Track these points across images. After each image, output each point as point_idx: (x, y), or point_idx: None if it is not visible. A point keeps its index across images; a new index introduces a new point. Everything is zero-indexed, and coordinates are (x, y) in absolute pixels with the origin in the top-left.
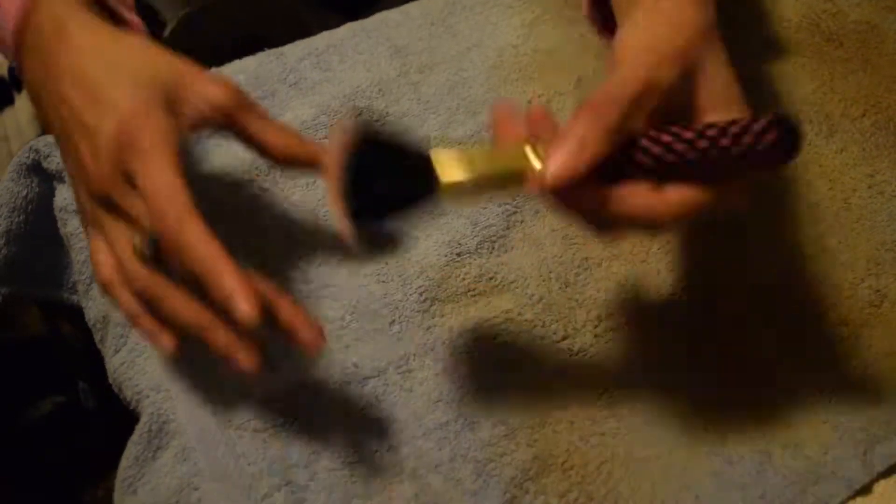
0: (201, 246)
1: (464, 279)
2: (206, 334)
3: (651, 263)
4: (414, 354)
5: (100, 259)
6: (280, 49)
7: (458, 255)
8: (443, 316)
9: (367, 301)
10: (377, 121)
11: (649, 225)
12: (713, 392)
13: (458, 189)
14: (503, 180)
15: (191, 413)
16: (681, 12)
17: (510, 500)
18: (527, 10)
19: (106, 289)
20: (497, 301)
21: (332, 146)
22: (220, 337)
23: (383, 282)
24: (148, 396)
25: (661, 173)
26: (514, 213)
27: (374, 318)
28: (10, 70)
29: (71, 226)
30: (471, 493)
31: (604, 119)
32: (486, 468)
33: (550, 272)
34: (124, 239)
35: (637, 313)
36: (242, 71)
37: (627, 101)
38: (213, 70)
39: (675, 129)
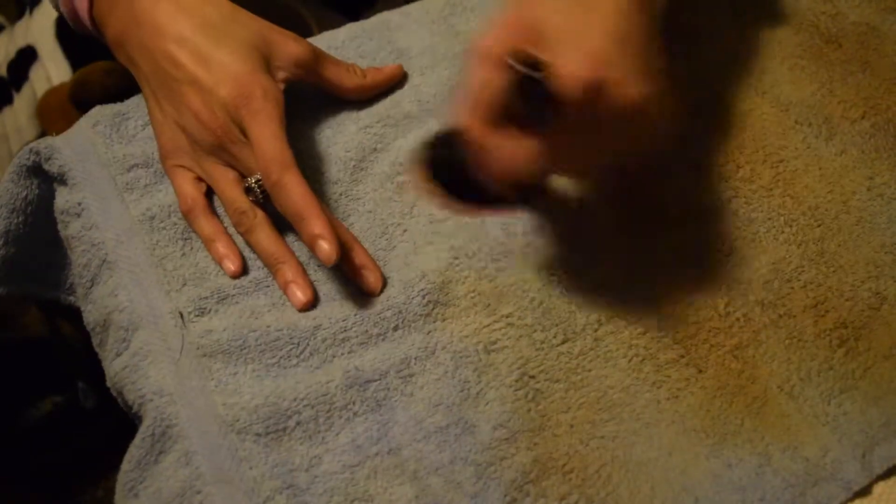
0: (296, 193)
1: (464, 283)
2: (277, 265)
3: (650, 267)
4: (415, 358)
5: (185, 191)
6: None
7: (459, 259)
8: (444, 320)
9: (369, 304)
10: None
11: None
12: (714, 394)
13: None
14: None
15: (193, 417)
16: None
17: (510, 503)
18: None
19: (187, 216)
20: (497, 305)
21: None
22: (287, 270)
23: (386, 285)
24: (151, 400)
25: None
26: (514, 221)
27: (377, 321)
28: (10, 69)
29: (72, 228)
30: (471, 496)
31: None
32: (486, 471)
33: (550, 276)
34: (226, 177)
35: (637, 317)
36: None
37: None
38: None
39: None
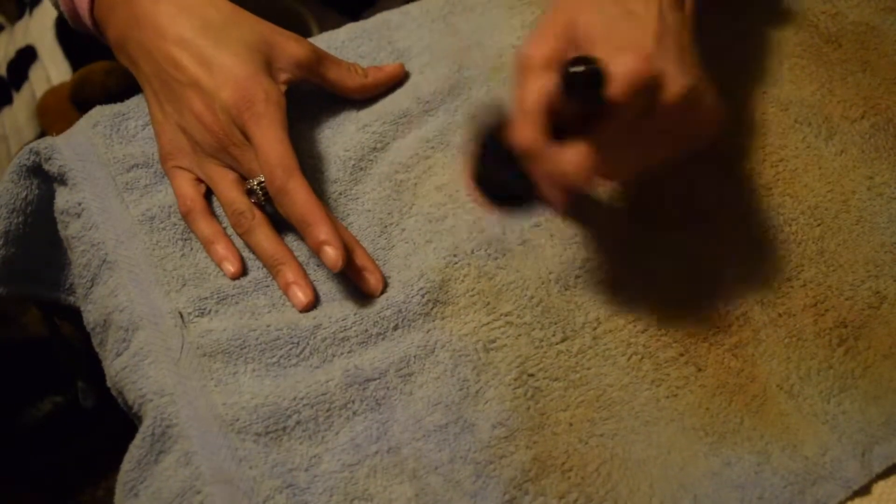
0: (301, 199)
1: (463, 281)
2: (277, 266)
3: (650, 265)
4: (414, 357)
5: (184, 192)
6: None
7: (458, 257)
8: (443, 318)
9: (369, 304)
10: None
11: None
12: (713, 392)
13: None
14: None
15: (193, 417)
16: None
17: (510, 502)
18: (527, 11)
19: (186, 217)
20: (496, 303)
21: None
22: (287, 271)
23: (387, 287)
24: (151, 400)
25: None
26: (513, 219)
27: (376, 320)
28: (9, 69)
29: (72, 228)
30: (470, 495)
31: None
32: (485, 470)
33: (549, 274)
34: (226, 179)
35: (636, 315)
36: None
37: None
38: None
39: None
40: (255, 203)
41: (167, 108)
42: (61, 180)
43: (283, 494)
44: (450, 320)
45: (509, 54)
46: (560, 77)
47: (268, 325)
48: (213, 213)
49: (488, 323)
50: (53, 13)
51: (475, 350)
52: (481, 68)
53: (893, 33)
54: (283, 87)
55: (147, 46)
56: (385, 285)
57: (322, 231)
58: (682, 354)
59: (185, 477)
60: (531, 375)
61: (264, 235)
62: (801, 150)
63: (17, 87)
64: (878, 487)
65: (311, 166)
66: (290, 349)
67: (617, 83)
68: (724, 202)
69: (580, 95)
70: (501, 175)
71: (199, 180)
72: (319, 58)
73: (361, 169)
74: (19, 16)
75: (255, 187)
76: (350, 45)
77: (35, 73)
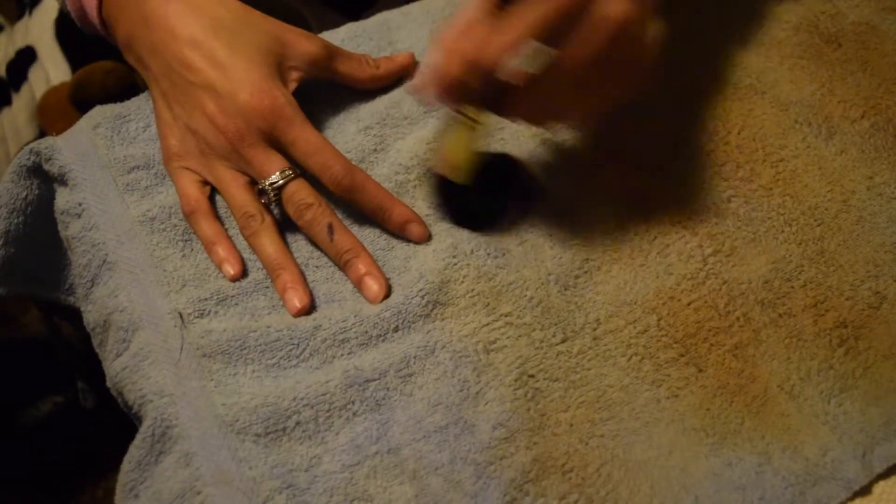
0: (372, 188)
1: (463, 282)
2: (277, 270)
3: (650, 267)
4: (414, 357)
5: (189, 192)
6: None
7: (458, 258)
8: (443, 319)
9: (369, 305)
10: None
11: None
12: (713, 393)
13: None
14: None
15: (193, 418)
16: None
17: (510, 503)
18: None
19: (189, 217)
20: (496, 304)
21: None
22: (286, 276)
23: (389, 291)
24: (151, 401)
25: None
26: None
27: (376, 322)
28: (8, 70)
29: (72, 229)
30: (471, 495)
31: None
32: (485, 470)
33: (549, 275)
34: (237, 181)
35: (636, 316)
36: None
37: None
38: None
39: None
40: (264, 204)
41: (176, 109)
42: (62, 181)
43: (282, 495)
44: (450, 321)
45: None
46: None
47: (268, 326)
48: (216, 215)
49: (488, 324)
50: (53, 14)
51: (475, 351)
52: None
53: (893, 33)
54: (295, 84)
55: (157, 47)
56: (388, 293)
57: (401, 212)
58: (682, 355)
59: (184, 477)
60: (531, 376)
61: (270, 240)
62: (801, 150)
63: (17, 88)
64: (879, 488)
65: None
66: (290, 350)
67: None
68: (724, 202)
69: None
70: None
71: (205, 182)
72: (331, 53)
73: (362, 170)
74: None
75: (266, 188)
76: (350, 45)
77: (34, 74)
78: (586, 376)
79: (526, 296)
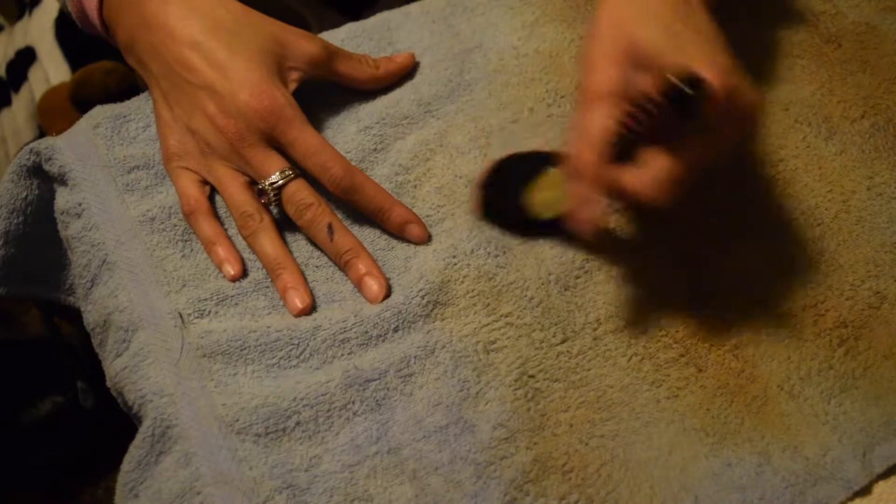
0: (371, 189)
1: (463, 282)
2: (277, 270)
3: (650, 266)
4: (414, 357)
5: (189, 192)
6: None
7: (458, 258)
8: (443, 319)
9: (369, 305)
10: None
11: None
12: (713, 393)
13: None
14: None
15: (193, 418)
16: None
17: (510, 503)
18: (527, 11)
19: (188, 217)
20: (496, 304)
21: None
22: (287, 276)
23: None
24: (151, 401)
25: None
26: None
27: (376, 322)
28: (8, 70)
29: (72, 228)
30: (471, 495)
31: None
32: (486, 470)
33: (549, 275)
34: (236, 181)
35: (636, 316)
36: None
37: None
38: None
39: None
40: (264, 203)
41: (176, 110)
42: (62, 181)
43: (282, 495)
44: (450, 321)
45: (510, 56)
46: (661, 88)
47: (268, 327)
48: (215, 215)
49: (488, 324)
50: (53, 14)
51: (475, 351)
52: (482, 70)
53: (893, 33)
54: (295, 85)
55: (157, 48)
56: (388, 293)
57: (401, 213)
58: (682, 355)
59: (184, 477)
60: (531, 376)
61: (268, 239)
62: (801, 150)
63: (16, 89)
64: (879, 488)
65: None
66: (290, 350)
67: (715, 95)
68: (724, 202)
69: (683, 106)
70: (507, 203)
71: (204, 182)
72: (331, 53)
73: (362, 170)
74: (19, 16)
75: (266, 188)
76: (350, 45)
77: (34, 74)
78: (586, 376)
79: (526, 296)
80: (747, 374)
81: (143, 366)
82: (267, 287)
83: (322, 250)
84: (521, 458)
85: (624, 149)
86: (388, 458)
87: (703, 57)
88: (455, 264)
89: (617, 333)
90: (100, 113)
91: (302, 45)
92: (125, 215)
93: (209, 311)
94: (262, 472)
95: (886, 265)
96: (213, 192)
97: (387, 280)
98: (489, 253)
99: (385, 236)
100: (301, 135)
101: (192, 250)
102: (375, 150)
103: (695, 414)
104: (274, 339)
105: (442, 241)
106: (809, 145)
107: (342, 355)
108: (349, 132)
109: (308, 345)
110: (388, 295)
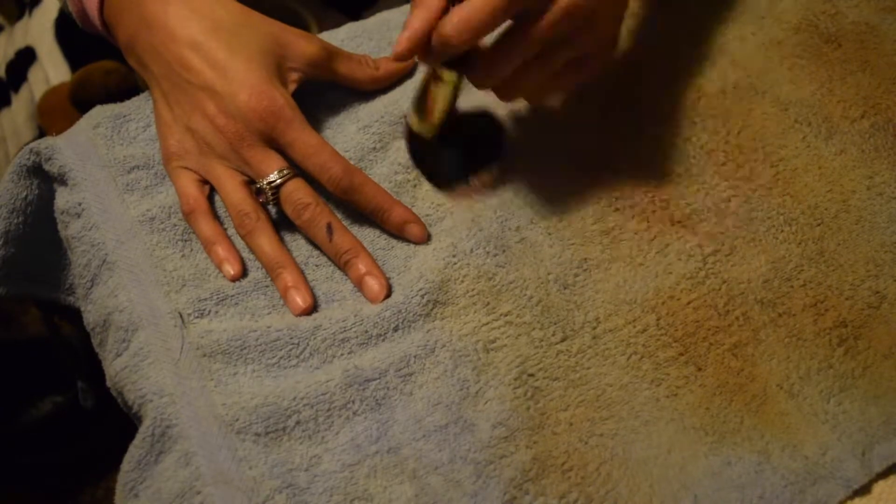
0: (371, 189)
1: (463, 281)
2: (277, 269)
3: (649, 266)
4: (414, 357)
5: (188, 191)
6: None
7: (457, 257)
8: (443, 319)
9: (369, 305)
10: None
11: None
12: (713, 392)
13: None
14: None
15: (193, 418)
16: None
17: (510, 501)
18: None
19: (188, 217)
20: (496, 303)
21: None
22: (287, 276)
23: (389, 291)
24: (151, 401)
25: None
26: (510, 217)
27: (376, 321)
28: (8, 70)
29: (72, 228)
30: (471, 495)
31: None
32: (485, 469)
33: (549, 274)
34: (234, 180)
35: (636, 315)
36: None
37: None
38: None
39: None
40: (262, 203)
41: (176, 110)
42: (61, 180)
43: (282, 494)
44: (449, 320)
45: None
46: None
47: (268, 326)
48: (215, 215)
49: (488, 323)
50: (53, 14)
51: (475, 350)
52: None
53: (893, 33)
54: (294, 86)
55: (157, 48)
56: (389, 292)
57: (400, 213)
58: (681, 354)
59: (184, 477)
60: (531, 375)
61: (266, 238)
62: (801, 150)
63: (16, 89)
64: (879, 487)
65: None
66: (290, 350)
67: None
68: (724, 202)
69: None
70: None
71: (203, 182)
72: (330, 54)
73: (362, 169)
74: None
75: (264, 187)
76: (350, 45)
77: (34, 75)
78: (586, 375)
79: (526, 295)
80: (747, 372)
81: (143, 366)
82: (267, 286)
83: (321, 250)
84: (520, 457)
85: None
86: (388, 458)
87: None
88: (455, 263)
89: (616, 332)
90: (100, 113)
91: (301, 45)
92: (125, 215)
93: (209, 311)
94: (262, 471)
95: (886, 265)
96: (212, 192)
97: (387, 279)
98: (488, 252)
99: (385, 236)
100: (300, 135)
101: (191, 250)
102: (375, 148)
103: (694, 413)
104: (274, 338)
105: (441, 241)
106: (809, 145)
107: (342, 355)
108: (349, 132)
109: (308, 344)
110: (388, 294)
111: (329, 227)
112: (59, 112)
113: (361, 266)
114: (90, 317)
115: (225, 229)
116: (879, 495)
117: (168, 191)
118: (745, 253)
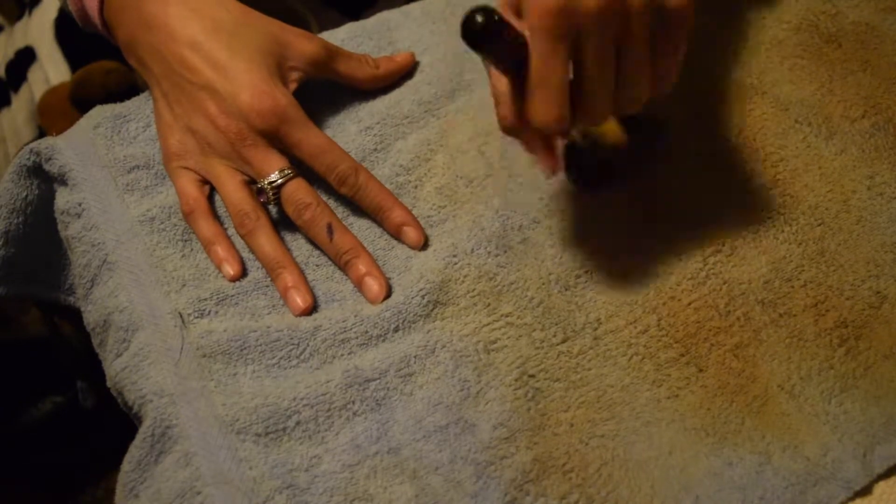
0: (374, 188)
1: (463, 282)
2: (277, 269)
3: (650, 266)
4: (415, 357)
5: (188, 191)
6: None
7: (458, 257)
8: (443, 319)
9: (369, 305)
10: None
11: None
12: (714, 393)
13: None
14: None
15: (193, 418)
16: None
17: (510, 502)
18: None
19: (188, 217)
20: (497, 304)
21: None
22: (287, 276)
23: (389, 292)
24: (151, 401)
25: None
26: (513, 215)
27: (376, 322)
28: (8, 70)
29: (72, 228)
30: (471, 495)
31: None
32: (486, 470)
33: (550, 275)
34: (234, 179)
35: (637, 315)
36: None
37: None
38: None
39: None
40: (262, 202)
41: (177, 110)
42: (61, 180)
43: (282, 495)
44: (450, 321)
45: None
46: (462, 36)
47: (268, 327)
48: (215, 215)
49: (489, 324)
50: (53, 14)
51: (476, 351)
52: (482, 70)
53: (893, 33)
54: (295, 85)
55: (158, 48)
56: (389, 292)
57: (399, 214)
58: (682, 355)
59: (184, 477)
60: (532, 376)
61: (266, 238)
62: (802, 150)
63: (16, 89)
64: (880, 488)
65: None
66: (291, 350)
67: (532, 15)
68: (725, 202)
69: (479, 44)
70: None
71: (204, 182)
72: (331, 53)
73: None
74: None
75: (265, 187)
76: (350, 45)
77: (34, 75)
78: (587, 376)
79: (527, 296)
80: (748, 373)
81: (143, 366)
82: (267, 287)
83: (322, 250)
84: (521, 458)
85: None
86: (388, 458)
87: None
88: (455, 264)
89: (617, 333)
90: (100, 113)
91: (302, 45)
92: (125, 215)
93: (209, 311)
94: (262, 471)
95: (887, 265)
96: (213, 193)
97: (387, 280)
98: (489, 252)
99: (385, 236)
100: (306, 136)
101: (191, 250)
102: (376, 150)
103: (695, 413)
104: (274, 338)
105: (442, 241)
106: (809, 145)
107: (342, 355)
108: (350, 132)
109: (308, 344)
110: (388, 295)
111: (329, 228)
112: (59, 112)
113: (361, 266)
114: (90, 317)
115: (225, 229)
116: (880, 496)
117: (168, 191)
118: (745, 253)
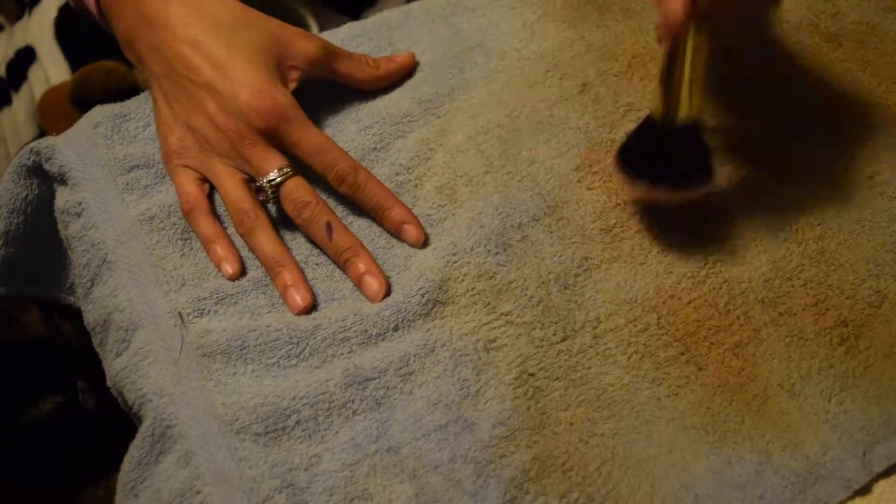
0: (374, 186)
1: (463, 281)
2: (276, 268)
3: (650, 265)
4: (414, 356)
5: (188, 190)
6: None
7: (458, 255)
8: (443, 318)
9: (369, 304)
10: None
11: None
12: (714, 392)
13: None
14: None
15: (193, 417)
16: None
17: (510, 501)
18: (528, 11)
19: (188, 216)
20: (496, 303)
21: None
22: (286, 274)
23: (389, 290)
24: (151, 401)
25: None
26: (513, 213)
27: (376, 321)
28: (8, 70)
29: (72, 228)
30: (471, 494)
31: None
32: (485, 469)
33: (549, 273)
34: (233, 178)
35: (636, 314)
36: None
37: None
38: None
39: None
40: (262, 201)
41: (176, 108)
42: (61, 180)
43: (282, 494)
44: (450, 320)
45: (511, 57)
46: None
47: (267, 326)
48: (214, 213)
49: (488, 322)
50: (53, 14)
51: (475, 349)
52: (482, 69)
53: (894, 33)
54: (294, 85)
55: (158, 46)
56: (388, 291)
57: (399, 213)
58: (682, 353)
59: (184, 477)
60: (531, 375)
61: (266, 236)
62: (801, 148)
63: (16, 88)
64: (879, 487)
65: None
66: (290, 349)
67: None
68: (725, 201)
69: None
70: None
71: (203, 180)
72: (330, 53)
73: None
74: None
75: (264, 185)
76: (350, 45)
77: (34, 74)
78: (586, 375)
79: (526, 294)
80: (747, 372)
81: (142, 365)
82: (266, 286)
83: (321, 249)
84: (521, 457)
85: None
86: (388, 457)
87: None
88: (455, 262)
89: (617, 332)
90: (100, 113)
91: (301, 44)
92: (125, 214)
93: (209, 311)
94: (262, 471)
95: (887, 264)
96: (212, 192)
97: (386, 278)
98: (489, 251)
99: (385, 235)
100: (305, 135)
101: (191, 249)
102: (375, 149)
103: (695, 412)
104: (273, 338)
105: (442, 240)
106: (809, 144)
107: (342, 354)
108: (349, 132)
109: (308, 344)
110: (388, 293)
111: (329, 226)
112: (59, 112)
113: (361, 265)
114: (90, 316)
115: (225, 228)
116: (880, 495)
117: (168, 190)
118: (745, 252)
